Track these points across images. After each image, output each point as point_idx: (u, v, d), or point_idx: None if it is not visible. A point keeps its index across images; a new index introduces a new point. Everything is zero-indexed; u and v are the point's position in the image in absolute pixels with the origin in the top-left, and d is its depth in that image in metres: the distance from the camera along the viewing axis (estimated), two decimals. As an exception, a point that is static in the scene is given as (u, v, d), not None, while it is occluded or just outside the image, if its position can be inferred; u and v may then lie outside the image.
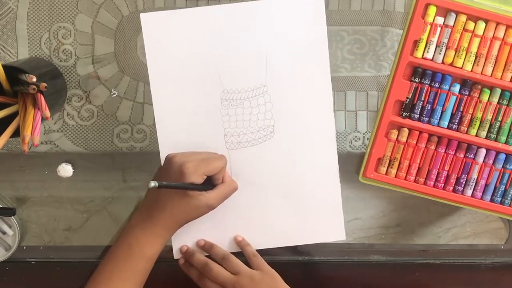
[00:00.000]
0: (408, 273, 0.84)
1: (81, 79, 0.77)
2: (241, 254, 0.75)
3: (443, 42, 0.72)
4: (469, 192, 0.76)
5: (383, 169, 0.76)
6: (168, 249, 0.75)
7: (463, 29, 0.72)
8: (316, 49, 0.73)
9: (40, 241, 0.82)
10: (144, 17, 0.71)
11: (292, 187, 0.76)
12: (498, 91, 0.73)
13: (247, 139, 0.75)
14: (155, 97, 0.73)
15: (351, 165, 0.80)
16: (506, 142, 0.74)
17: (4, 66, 0.66)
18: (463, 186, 0.75)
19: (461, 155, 0.75)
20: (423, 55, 0.73)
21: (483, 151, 0.75)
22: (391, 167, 0.76)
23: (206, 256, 0.75)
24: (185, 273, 0.75)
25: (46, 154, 0.79)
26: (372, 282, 0.84)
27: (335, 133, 0.75)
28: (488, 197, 0.76)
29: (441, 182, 0.76)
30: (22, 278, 0.83)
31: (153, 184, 0.62)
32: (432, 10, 0.72)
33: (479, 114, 0.74)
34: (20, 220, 0.81)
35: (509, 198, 0.75)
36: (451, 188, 0.76)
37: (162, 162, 0.73)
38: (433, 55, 0.73)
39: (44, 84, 0.64)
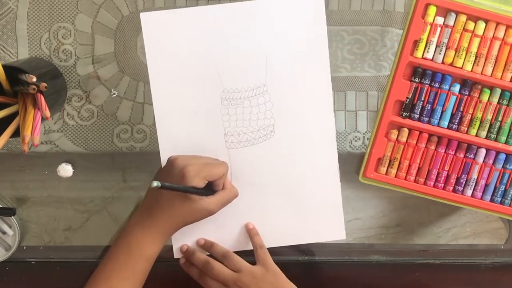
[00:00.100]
0: (408, 273, 0.84)
1: (81, 79, 0.77)
2: (242, 253, 0.75)
3: (443, 42, 0.72)
4: (469, 192, 0.76)
5: (383, 169, 0.76)
6: (168, 248, 0.75)
7: (463, 29, 0.72)
8: (316, 49, 0.73)
9: (40, 241, 0.82)
10: (144, 17, 0.71)
11: (292, 187, 0.76)
12: (498, 91, 0.73)
13: (247, 139, 0.75)
14: (155, 97, 0.73)
15: (351, 165, 0.80)
16: (506, 142, 0.74)
17: (4, 66, 0.66)
18: (463, 186, 0.75)
19: (461, 155, 0.75)
20: (423, 55, 0.73)
21: (483, 151, 0.75)
22: (391, 167, 0.76)
23: (207, 255, 0.75)
24: (185, 273, 0.75)
25: (46, 154, 0.79)
26: (372, 282, 0.84)
27: (335, 133, 0.75)
28: (488, 197, 0.76)
29: (441, 182, 0.76)
30: (22, 278, 0.83)
31: (155, 184, 0.62)
32: (432, 10, 0.72)
33: (479, 114, 0.74)
34: (20, 220, 0.81)
35: (509, 198, 0.75)
36: (451, 188, 0.76)
37: (162, 162, 0.74)
38: (433, 55, 0.73)
39: (44, 84, 0.64)
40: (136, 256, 0.69)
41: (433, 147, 0.75)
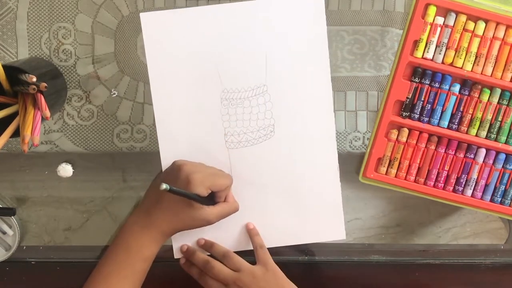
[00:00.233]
0: (408, 273, 0.84)
1: (81, 79, 0.77)
2: (242, 253, 0.75)
3: (443, 42, 0.72)
4: (469, 192, 0.76)
5: (383, 169, 0.76)
6: (168, 248, 0.75)
7: (463, 29, 0.72)
8: (316, 49, 0.73)
9: (40, 241, 0.82)
10: (144, 17, 0.71)
11: (292, 187, 0.76)
12: (498, 91, 0.73)
13: (247, 139, 0.75)
14: (155, 97, 0.73)
15: (351, 165, 0.80)
16: (506, 142, 0.74)
17: (4, 66, 0.66)
18: (463, 186, 0.75)
19: (461, 155, 0.75)
20: (423, 55, 0.73)
21: (483, 151, 0.75)
22: (391, 167, 0.76)
23: (207, 255, 0.75)
24: (184, 273, 0.76)
25: (46, 154, 0.79)
26: (372, 282, 0.84)
27: (335, 133, 0.75)
28: (488, 197, 0.76)
29: (441, 182, 0.76)
30: (22, 278, 0.83)
31: (164, 186, 0.63)
32: (432, 10, 0.72)
33: (479, 114, 0.74)
34: (20, 220, 0.81)
35: (509, 198, 0.75)
36: (451, 188, 0.76)
37: (162, 162, 0.74)
38: (433, 55, 0.73)
39: (44, 84, 0.64)
40: (134, 256, 0.69)
41: (433, 147, 0.75)
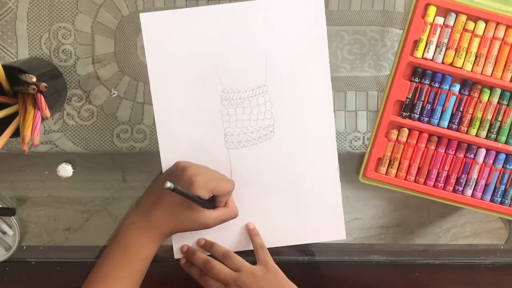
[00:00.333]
0: (408, 273, 0.84)
1: (81, 79, 0.77)
2: (243, 253, 0.75)
3: (443, 42, 0.72)
4: (469, 192, 0.76)
5: (383, 169, 0.76)
6: (167, 248, 0.75)
7: (463, 29, 0.72)
8: (316, 49, 0.73)
9: (40, 241, 0.82)
10: (144, 17, 0.71)
11: (292, 187, 0.76)
12: (498, 91, 0.73)
13: (247, 139, 0.75)
14: (155, 97, 0.73)
15: (351, 165, 0.80)
16: (506, 142, 0.74)
17: (4, 66, 0.66)
18: (463, 186, 0.75)
19: (461, 155, 0.75)
20: (423, 55, 0.73)
21: (483, 151, 0.75)
22: (391, 167, 0.76)
23: (207, 255, 0.75)
24: (184, 273, 0.76)
25: (46, 154, 0.79)
26: (372, 282, 0.84)
27: (335, 133, 0.75)
28: (488, 197, 0.76)
29: (441, 182, 0.76)
30: (22, 278, 0.83)
31: (169, 184, 0.63)
32: (432, 10, 0.72)
33: (479, 114, 0.74)
34: (20, 220, 0.81)
35: (509, 198, 0.75)
36: (451, 188, 0.76)
37: (162, 162, 0.74)
38: (433, 55, 0.73)
39: (44, 84, 0.64)
40: (133, 256, 0.69)
41: (433, 147, 0.75)
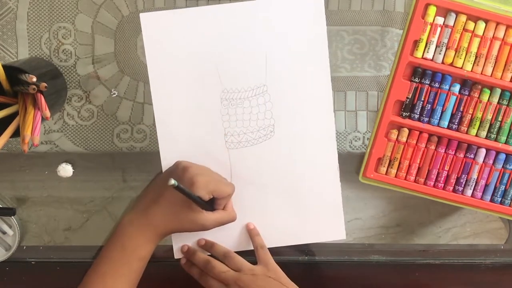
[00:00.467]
0: (408, 273, 0.84)
1: (81, 79, 0.77)
2: (243, 253, 0.75)
3: (443, 42, 0.72)
4: (469, 192, 0.76)
5: (383, 169, 0.76)
6: (168, 248, 0.75)
7: (463, 29, 0.72)
8: (316, 49, 0.73)
9: (40, 241, 0.82)
10: (144, 17, 0.71)
11: (292, 187, 0.76)
12: (498, 91, 0.73)
13: (247, 139, 0.75)
14: (155, 97, 0.73)
15: (351, 165, 0.80)
16: (506, 142, 0.74)
17: (4, 66, 0.66)
18: (463, 186, 0.75)
19: (461, 155, 0.75)
20: (423, 55, 0.73)
21: (483, 151, 0.75)
22: (391, 167, 0.76)
23: (208, 255, 0.75)
24: (184, 273, 0.75)
25: (46, 154, 0.79)
26: (372, 282, 0.84)
27: (335, 133, 0.75)
28: (488, 197, 0.76)
29: (441, 182, 0.76)
30: (22, 278, 0.83)
31: (173, 182, 0.62)
32: (432, 10, 0.72)
33: (479, 114, 0.74)
34: (20, 220, 0.81)
35: (509, 198, 0.75)
36: (451, 188, 0.76)
37: (162, 162, 0.74)
38: (433, 55, 0.73)
39: (44, 84, 0.64)
40: (130, 255, 0.69)
41: (433, 147, 0.75)
